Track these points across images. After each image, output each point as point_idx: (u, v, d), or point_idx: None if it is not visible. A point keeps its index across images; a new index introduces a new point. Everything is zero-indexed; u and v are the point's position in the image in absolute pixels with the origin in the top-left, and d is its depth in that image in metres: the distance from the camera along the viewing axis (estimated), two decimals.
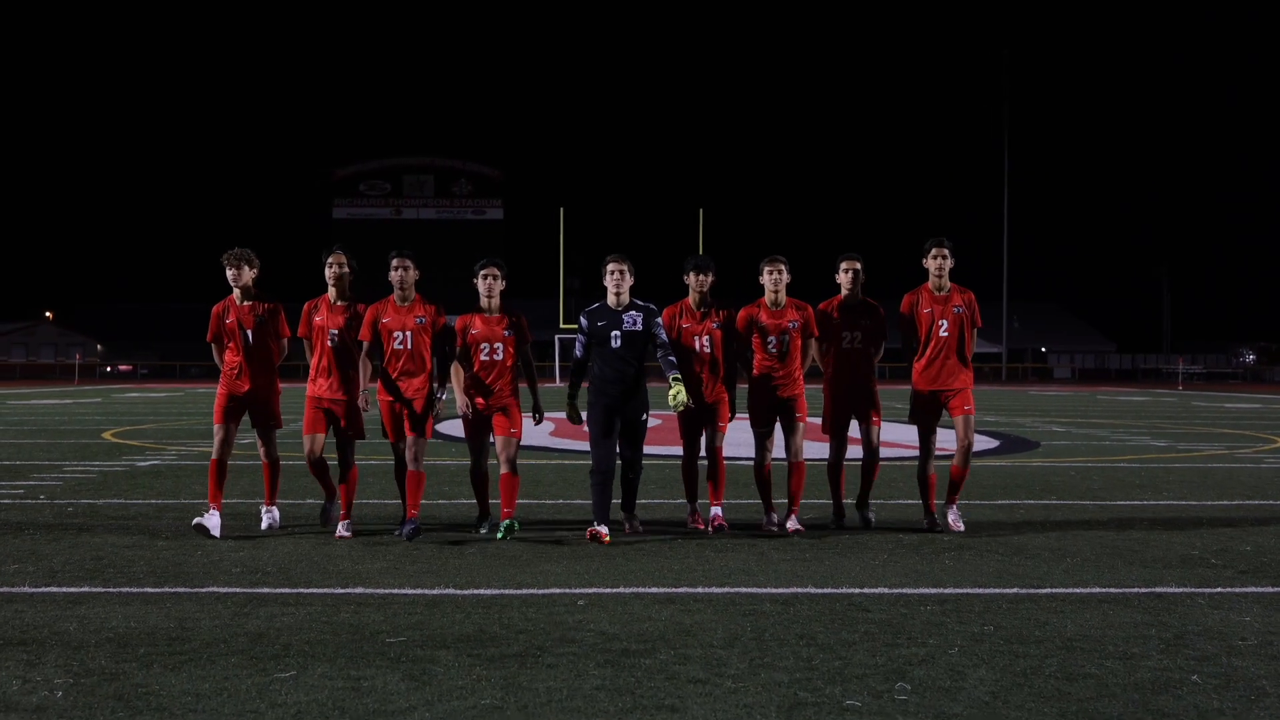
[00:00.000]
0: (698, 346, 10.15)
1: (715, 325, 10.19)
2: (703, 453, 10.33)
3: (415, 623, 6.57)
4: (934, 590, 7.61)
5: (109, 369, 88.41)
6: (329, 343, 9.95)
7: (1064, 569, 8.33)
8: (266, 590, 7.43)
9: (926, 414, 10.50)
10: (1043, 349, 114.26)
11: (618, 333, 9.72)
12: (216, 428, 9.93)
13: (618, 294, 9.78)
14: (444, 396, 9.78)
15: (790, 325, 10.28)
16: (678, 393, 9.58)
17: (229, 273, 9.94)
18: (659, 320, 9.88)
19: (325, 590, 7.45)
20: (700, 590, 7.53)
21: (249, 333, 9.96)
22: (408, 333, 9.67)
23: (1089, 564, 8.56)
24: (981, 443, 20.51)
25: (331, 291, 10.08)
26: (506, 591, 7.48)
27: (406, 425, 9.66)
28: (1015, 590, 7.64)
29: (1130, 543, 9.55)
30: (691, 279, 10.21)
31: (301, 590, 7.45)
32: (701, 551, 9.03)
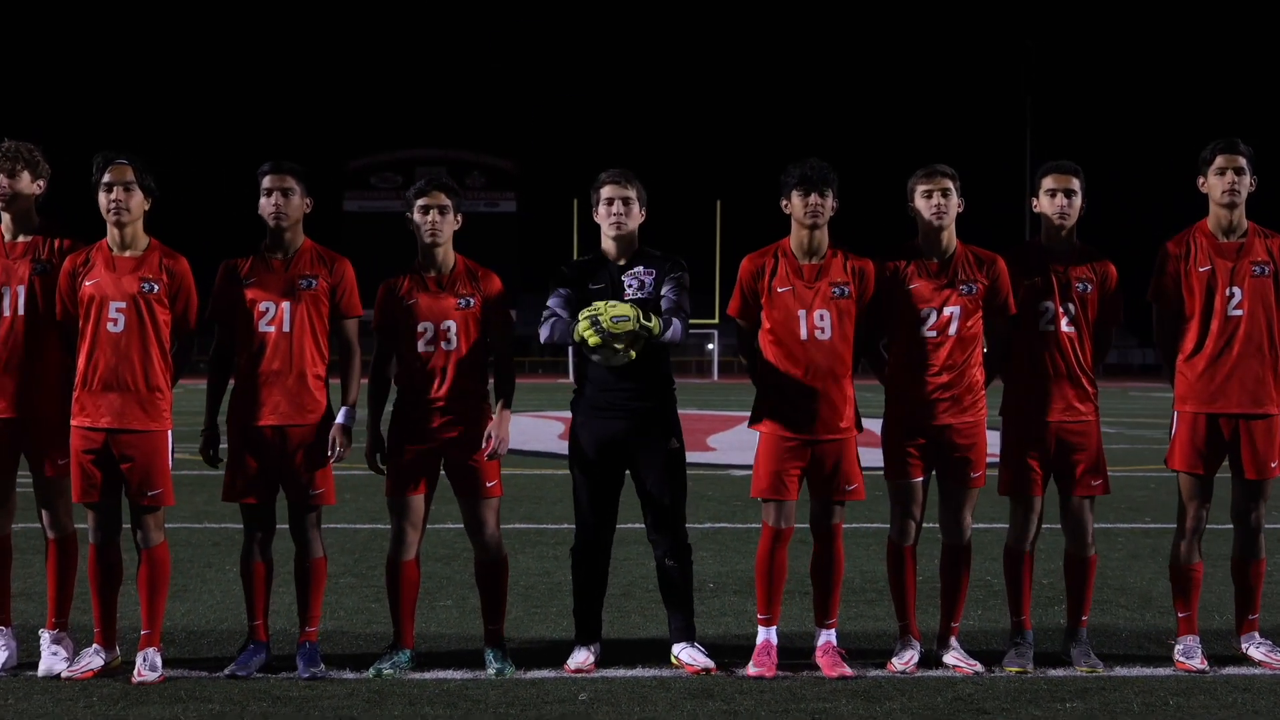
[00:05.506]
0: (805, 329, 5.75)
1: (841, 291, 5.77)
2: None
3: None
4: (1062, 673, 5.61)
5: None
6: (109, 324, 5.54)
7: (1216, 631, 6.31)
8: (181, 673, 5.46)
9: (1199, 454, 5.93)
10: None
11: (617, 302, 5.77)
12: None
13: (618, 236, 5.86)
14: (344, 421, 5.72)
15: (963, 290, 5.85)
16: (600, 314, 5.42)
17: None
18: (679, 275, 5.82)
19: (236, 680, 5.49)
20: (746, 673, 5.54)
21: (20, 293, 5.63)
22: (282, 305, 5.77)
23: None
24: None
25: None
26: (478, 675, 5.51)
27: (297, 477, 5.69)
28: (1169, 671, 5.64)
29: (1278, 589, 7.55)
30: (796, 203, 5.74)
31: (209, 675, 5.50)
32: (742, 605, 7.02)
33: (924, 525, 5.98)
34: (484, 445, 5.70)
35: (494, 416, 5.77)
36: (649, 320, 5.46)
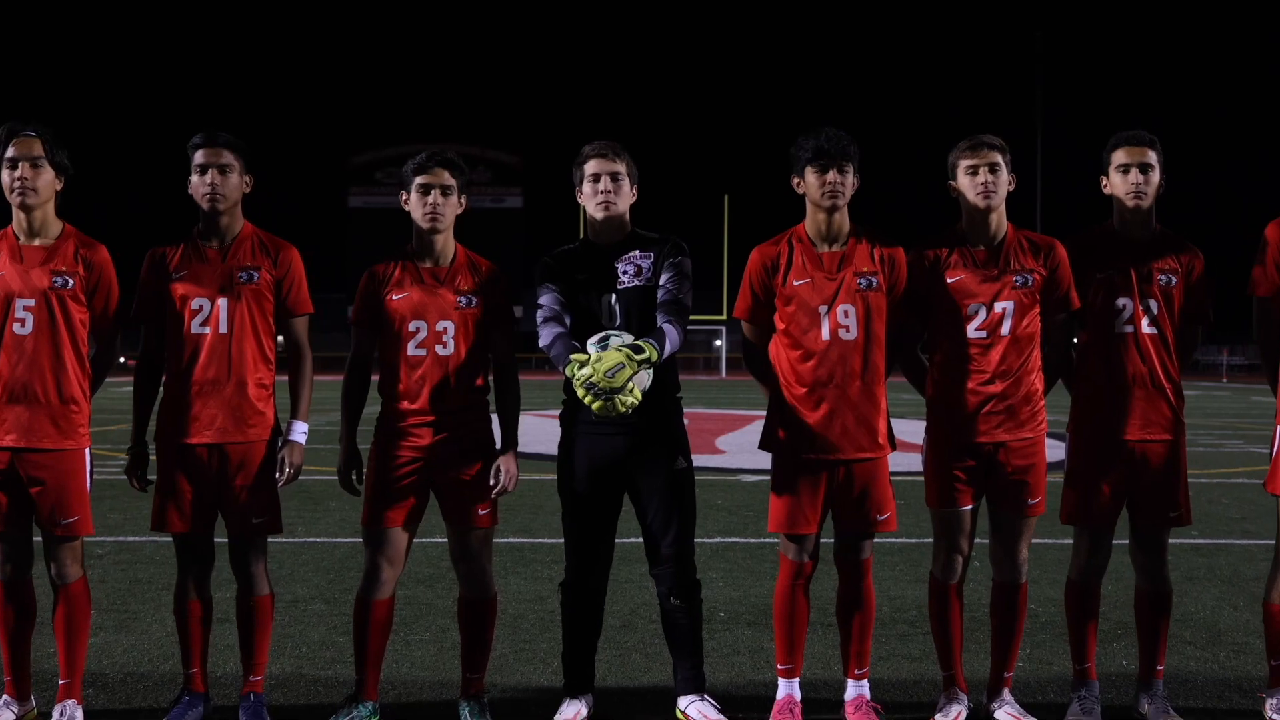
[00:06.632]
0: (827, 328, 4.85)
1: (868, 282, 4.87)
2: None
3: None
4: None
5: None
6: (16, 325, 4.67)
7: None
8: None
9: None
10: (1074, 339, 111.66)
11: (612, 296, 4.96)
12: None
13: (607, 218, 4.98)
14: (297, 439, 4.92)
15: (1017, 282, 4.94)
16: (593, 376, 4.51)
17: None
18: (678, 260, 4.94)
19: None
20: None
21: None
22: (219, 302, 4.86)
23: None
24: (1055, 452, 17.59)
25: None
26: None
27: (238, 504, 4.83)
28: None
29: None
30: (811, 182, 4.86)
31: None
32: (758, 640, 6.20)
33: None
34: (492, 482, 4.86)
35: (499, 450, 4.92)
36: (642, 352, 4.56)
